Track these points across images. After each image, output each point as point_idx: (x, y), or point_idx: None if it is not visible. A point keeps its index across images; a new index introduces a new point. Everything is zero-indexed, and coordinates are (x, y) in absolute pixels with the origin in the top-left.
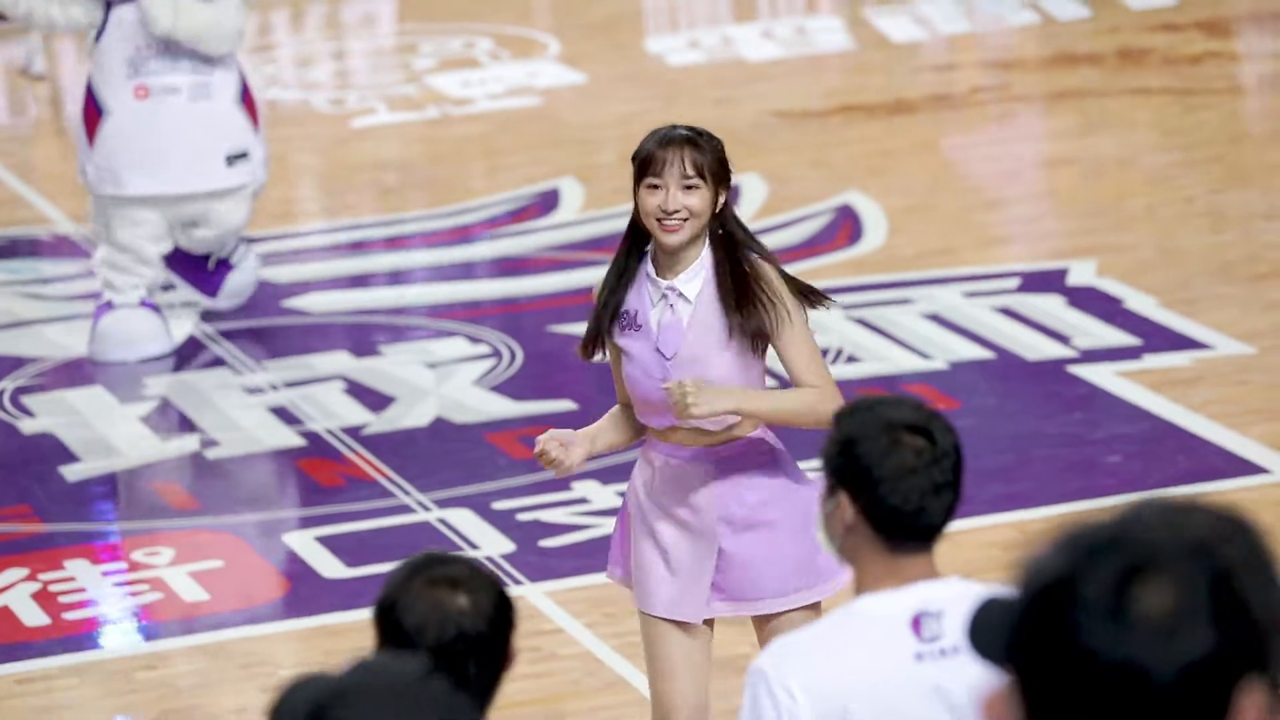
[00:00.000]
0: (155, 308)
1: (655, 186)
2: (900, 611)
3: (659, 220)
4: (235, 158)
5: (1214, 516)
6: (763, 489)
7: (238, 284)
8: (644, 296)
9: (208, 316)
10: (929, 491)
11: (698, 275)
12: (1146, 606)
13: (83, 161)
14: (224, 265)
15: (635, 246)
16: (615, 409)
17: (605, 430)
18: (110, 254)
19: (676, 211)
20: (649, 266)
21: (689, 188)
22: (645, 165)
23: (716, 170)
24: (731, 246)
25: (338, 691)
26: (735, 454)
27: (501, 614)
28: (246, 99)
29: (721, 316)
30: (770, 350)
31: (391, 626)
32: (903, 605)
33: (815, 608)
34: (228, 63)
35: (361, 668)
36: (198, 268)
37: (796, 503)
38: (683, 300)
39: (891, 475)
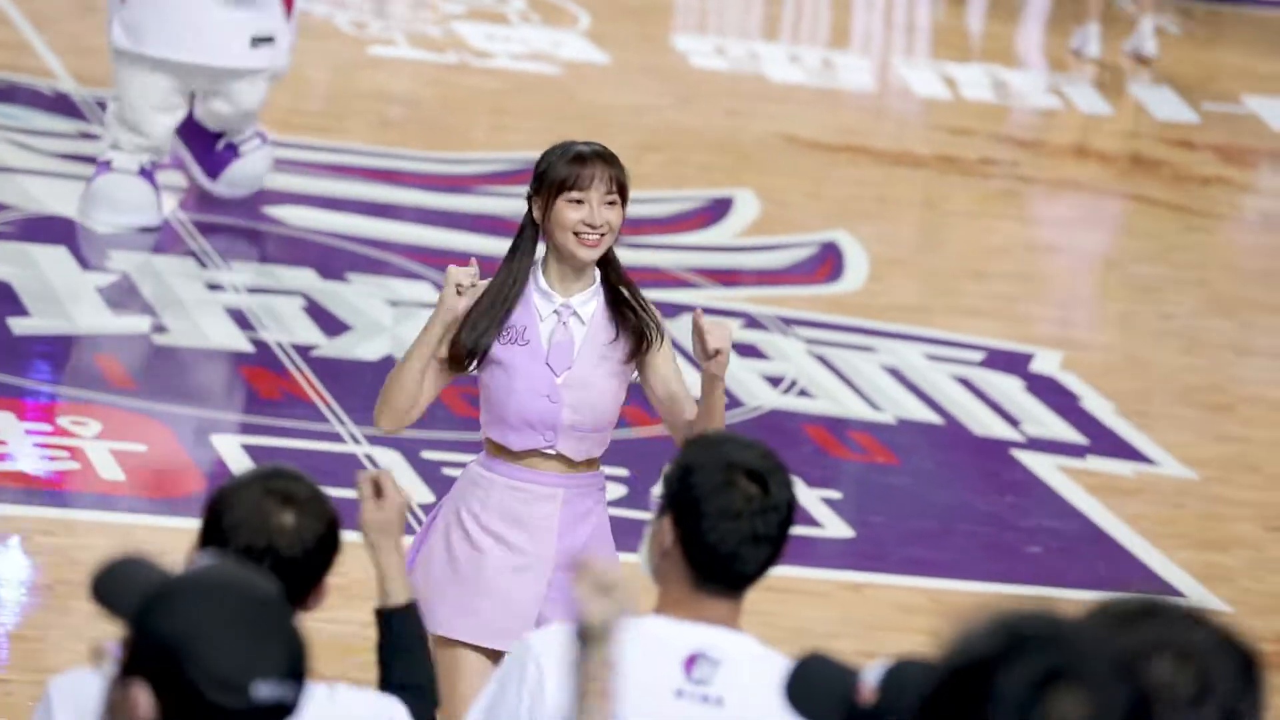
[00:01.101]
0: (152, 179)
1: (579, 201)
2: (681, 644)
3: (578, 234)
4: (261, 40)
5: (1204, 632)
6: (594, 526)
7: (240, 174)
8: (532, 310)
9: (188, 204)
10: (748, 539)
11: (593, 297)
12: (1058, 715)
13: (111, 15)
14: (231, 150)
15: (522, 258)
16: (425, 363)
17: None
18: (121, 109)
19: (599, 226)
20: (539, 280)
21: (610, 203)
22: (565, 180)
23: (627, 189)
24: (617, 265)
25: (184, 584)
26: (582, 487)
27: (322, 547)
28: None
29: (610, 339)
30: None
31: (213, 518)
32: (686, 639)
33: None
34: None
35: (213, 569)
36: (206, 144)
37: (614, 553)
38: (575, 319)
39: (715, 513)
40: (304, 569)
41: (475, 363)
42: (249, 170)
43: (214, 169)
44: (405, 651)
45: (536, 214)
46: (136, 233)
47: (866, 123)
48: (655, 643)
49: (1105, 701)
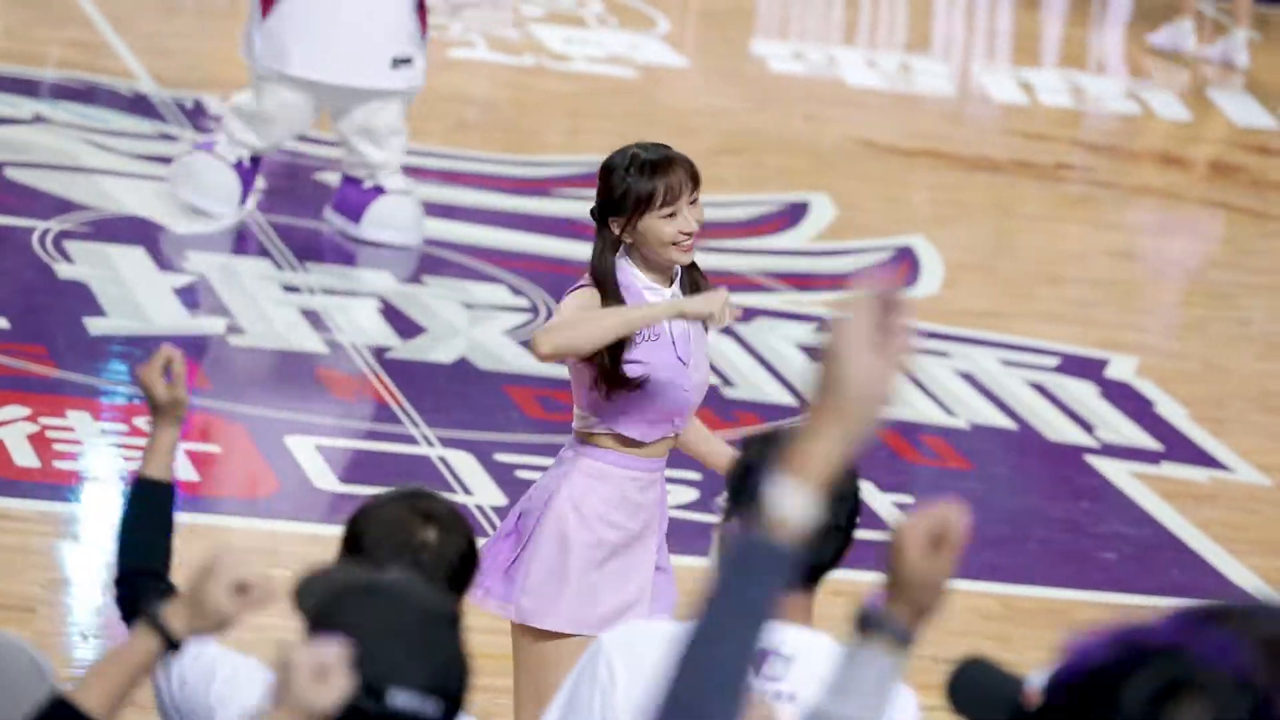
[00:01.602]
0: (245, 176)
1: (671, 214)
2: None
3: (676, 244)
4: (400, 61)
5: None
6: (663, 498)
7: (384, 214)
8: (644, 300)
9: (264, 205)
10: (817, 530)
11: (681, 286)
12: None
13: (250, 31)
14: (376, 189)
15: (613, 273)
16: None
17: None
18: (247, 111)
19: (693, 230)
20: (638, 280)
21: (694, 202)
22: (651, 199)
23: (699, 178)
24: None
25: (363, 587)
26: (664, 464)
27: (462, 566)
28: (421, 6)
29: (698, 321)
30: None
31: (356, 531)
32: None
33: None
34: None
35: (398, 580)
36: (349, 192)
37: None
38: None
39: None
40: (446, 586)
41: (615, 377)
42: (399, 211)
43: (355, 212)
44: (152, 529)
45: (617, 230)
46: (210, 223)
47: (943, 128)
48: None
49: (1228, 712)
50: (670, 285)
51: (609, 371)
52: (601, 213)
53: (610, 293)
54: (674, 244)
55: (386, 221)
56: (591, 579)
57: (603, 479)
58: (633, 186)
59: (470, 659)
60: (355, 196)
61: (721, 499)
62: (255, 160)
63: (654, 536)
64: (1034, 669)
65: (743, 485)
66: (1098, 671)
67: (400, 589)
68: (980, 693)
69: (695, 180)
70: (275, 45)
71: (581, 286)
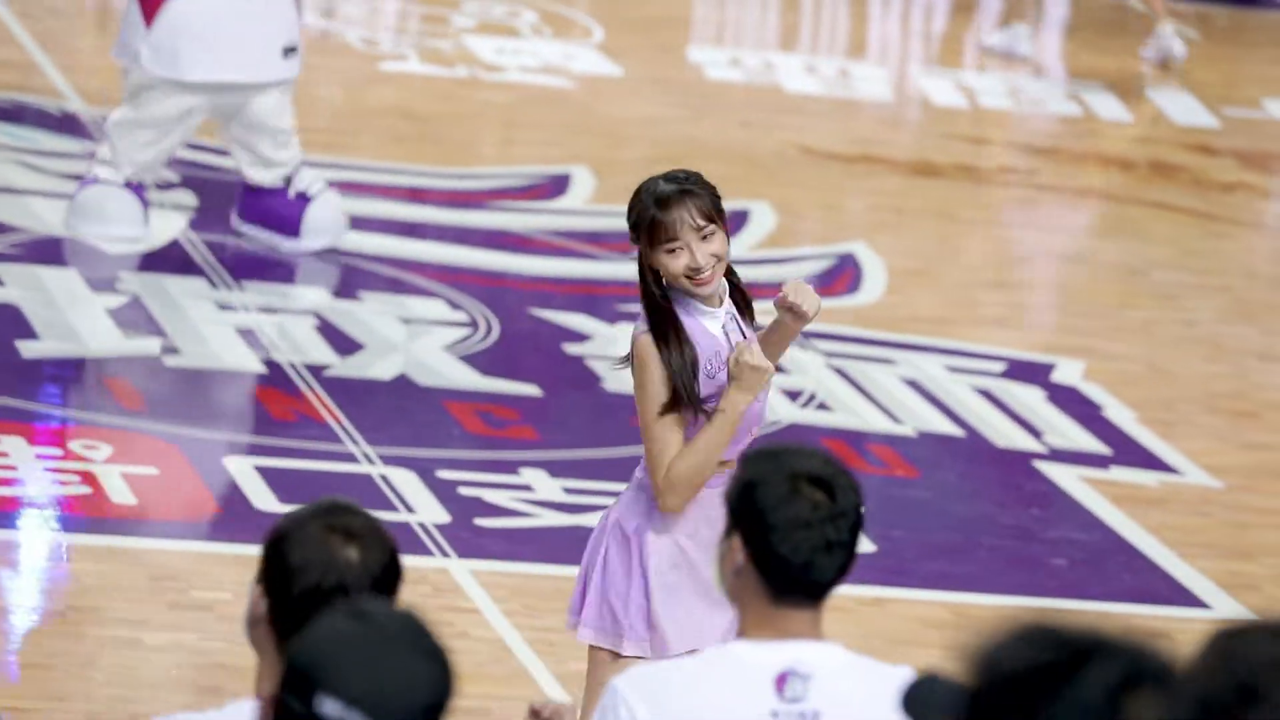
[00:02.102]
0: (139, 192)
1: (676, 250)
2: (769, 665)
3: (689, 278)
4: (290, 50)
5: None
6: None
7: (320, 218)
8: (709, 334)
9: (197, 224)
10: (820, 547)
11: (729, 301)
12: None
13: (130, 41)
14: (302, 199)
15: (663, 299)
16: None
17: None
18: (128, 116)
19: (706, 264)
20: (697, 307)
21: (706, 237)
22: (655, 231)
23: (719, 208)
24: (730, 273)
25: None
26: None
27: (387, 578)
28: None
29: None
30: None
31: (276, 560)
32: (773, 659)
33: None
34: None
35: (376, 604)
36: (272, 206)
37: None
38: (734, 323)
39: (784, 525)
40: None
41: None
42: (328, 213)
43: (292, 225)
44: None
45: (645, 258)
46: (124, 245)
47: (883, 133)
48: (743, 668)
49: (1181, 709)
50: (721, 305)
51: (697, 406)
52: (631, 239)
53: (661, 332)
54: (687, 278)
55: (322, 228)
56: (697, 599)
57: (694, 501)
58: (641, 218)
59: (437, 689)
60: (284, 208)
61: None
62: (142, 183)
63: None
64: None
65: (748, 505)
66: (1031, 670)
67: (377, 608)
68: (932, 707)
69: (708, 215)
70: (165, 52)
71: (643, 335)
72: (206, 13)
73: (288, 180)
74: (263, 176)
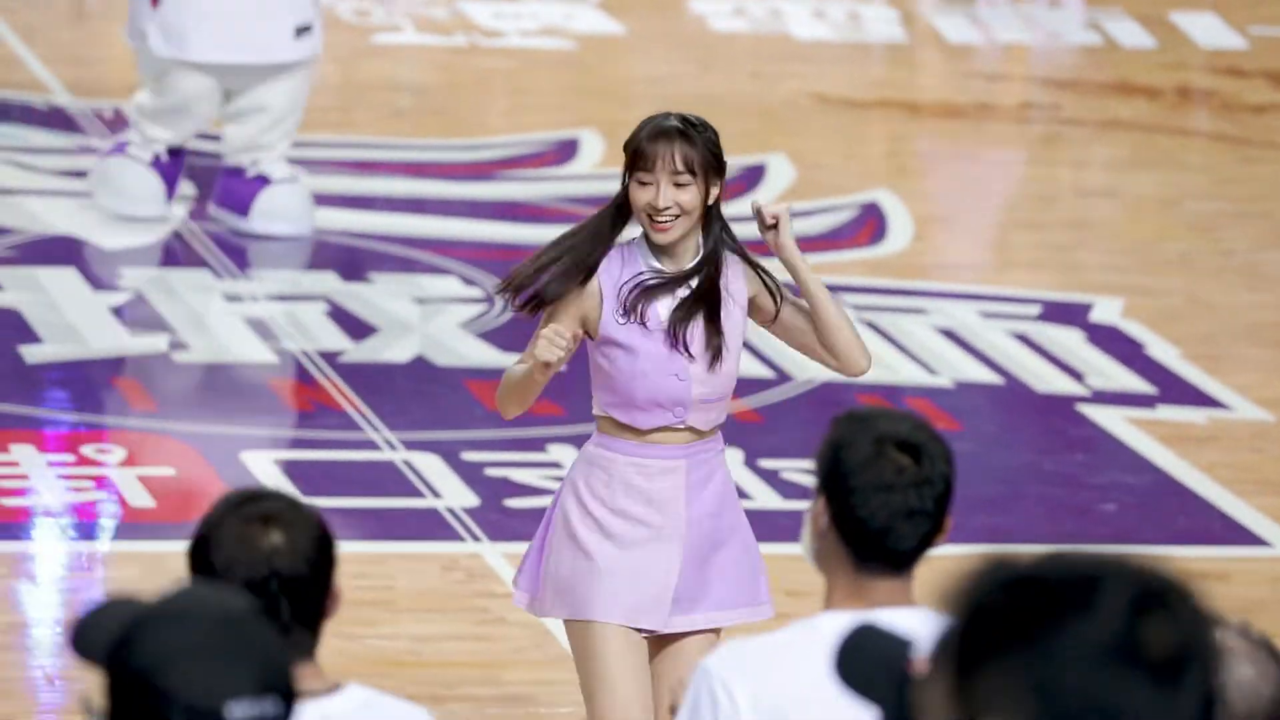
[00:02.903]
0: (165, 172)
1: (645, 183)
2: None
3: (649, 216)
4: (302, 30)
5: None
6: (719, 487)
7: (274, 204)
8: (640, 280)
9: (198, 214)
10: (901, 513)
11: (703, 266)
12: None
13: (139, 22)
14: (261, 179)
15: (622, 225)
16: (525, 375)
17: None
18: (148, 102)
19: (667, 209)
20: (648, 257)
21: (680, 184)
22: (635, 159)
23: (709, 163)
24: (718, 230)
25: (151, 616)
26: (703, 453)
27: (321, 553)
28: None
29: (733, 315)
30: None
31: (202, 564)
32: None
33: (717, 633)
34: None
35: (181, 594)
36: (231, 183)
37: (741, 514)
38: (706, 304)
39: (865, 487)
40: (312, 582)
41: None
42: (287, 202)
43: (243, 204)
44: None
45: (624, 190)
46: (141, 229)
47: (898, 75)
48: (829, 640)
49: (1196, 627)
50: (691, 264)
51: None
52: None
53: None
54: (646, 215)
55: (276, 213)
56: (606, 568)
57: (599, 464)
58: (631, 141)
59: (281, 647)
60: (240, 188)
61: (812, 478)
62: (175, 154)
63: (676, 536)
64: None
65: (832, 467)
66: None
67: (188, 602)
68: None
69: (689, 165)
70: (173, 33)
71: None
72: None
73: (255, 161)
74: (240, 157)
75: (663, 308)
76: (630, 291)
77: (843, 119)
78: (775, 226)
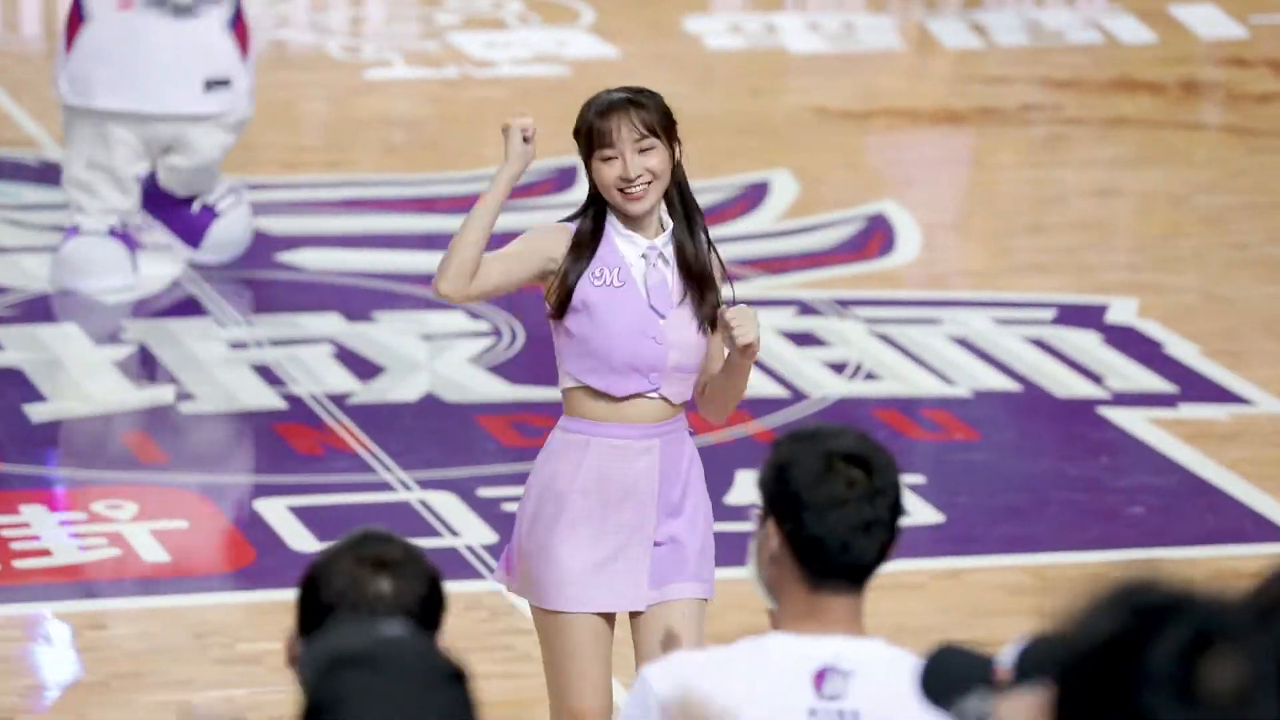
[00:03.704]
0: (125, 238)
1: (610, 158)
2: (808, 660)
3: (621, 190)
4: (215, 84)
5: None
6: (688, 471)
7: (224, 235)
8: (617, 253)
9: (195, 263)
10: (858, 527)
11: (670, 239)
12: (1215, 683)
13: (57, 70)
14: (208, 212)
15: (596, 210)
16: (493, 217)
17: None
18: (79, 172)
19: (639, 177)
20: (617, 226)
21: (644, 150)
22: (593, 138)
23: (667, 126)
24: (688, 212)
25: (355, 655)
26: (676, 432)
27: (428, 609)
28: (238, 25)
29: (692, 286)
30: None
31: (310, 598)
32: (812, 654)
33: (704, 604)
34: None
35: (389, 641)
36: (180, 213)
37: (704, 487)
38: (662, 260)
39: (819, 504)
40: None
41: (558, 309)
42: (235, 232)
43: (194, 237)
44: None
45: (588, 173)
46: (115, 296)
47: (898, 84)
48: (781, 663)
49: (1262, 663)
50: (661, 234)
51: (560, 292)
52: (579, 151)
53: (581, 230)
54: (618, 190)
55: (227, 244)
56: (578, 556)
57: (570, 450)
58: (581, 123)
59: (478, 712)
60: (188, 219)
61: (755, 504)
62: (126, 225)
63: (648, 524)
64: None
65: (780, 487)
66: (1110, 640)
67: (399, 651)
68: (950, 680)
69: (650, 126)
70: (81, 79)
71: (563, 221)
72: (120, 39)
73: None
74: (176, 191)
75: (637, 273)
76: (597, 252)
77: (844, 131)
78: (748, 348)
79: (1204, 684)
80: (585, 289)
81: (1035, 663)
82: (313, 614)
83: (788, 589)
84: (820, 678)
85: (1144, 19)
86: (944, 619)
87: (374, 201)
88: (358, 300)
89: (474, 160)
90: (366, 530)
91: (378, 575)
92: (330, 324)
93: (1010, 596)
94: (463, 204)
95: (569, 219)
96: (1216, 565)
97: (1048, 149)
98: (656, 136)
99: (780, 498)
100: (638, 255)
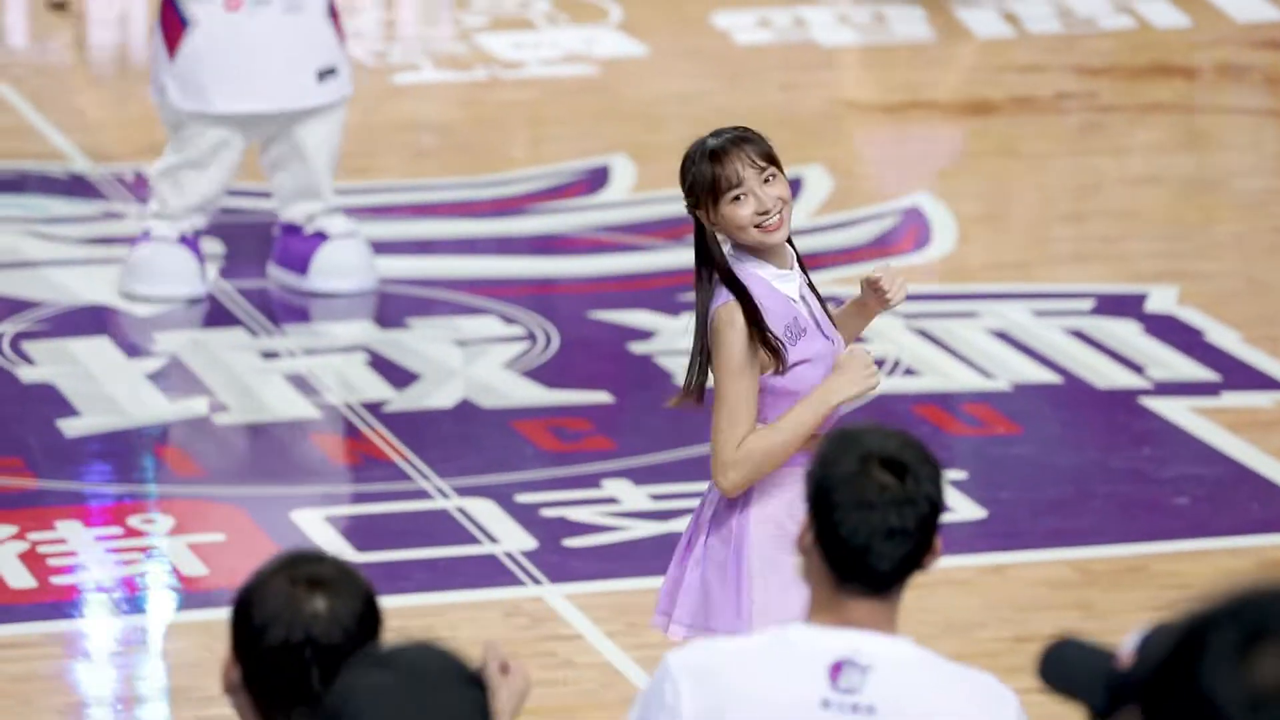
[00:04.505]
0: (194, 247)
1: (739, 197)
2: (825, 651)
3: (758, 226)
4: (326, 73)
5: None
6: None
7: (333, 261)
8: (783, 299)
9: (228, 271)
10: (880, 532)
11: (797, 263)
12: (1265, 674)
13: (159, 76)
14: (319, 236)
15: (731, 283)
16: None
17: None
18: (174, 164)
19: (772, 208)
20: (759, 269)
21: (769, 180)
22: (716, 184)
23: (775, 153)
24: (791, 241)
25: (366, 656)
26: None
27: (363, 627)
28: (333, 11)
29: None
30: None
31: (243, 621)
32: (831, 646)
33: None
34: None
35: (402, 645)
36: (290, 241)
37: None
38: (811, 290)
39: (846, 505)
40: (346, 654)
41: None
42: (347, 257)
43: (301, 263)
44: None
45: (706, 222)
46: (181, 305)
47: (930, 75)
48: (798, 651)
49: None
50: (792, 268)
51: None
52: (689, 206)
53: (738, 293)
54: (755, 226)
55: (335, 269)
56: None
57: (782, 484)
58: (698, 176)
59: (477, 713)
60: (297, 246)
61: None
62: (197, 232)
63: None
64: (1123, 635)
65: (818, 484)
66: (1192, 626)
67: (416, 653)
68: (1073, 668)
69: (767, 156)
70: (191, 85)
71: (724, 304)
72: (229, 39)
73: (310, 218)
74: (293, 212)
75: (803, 309)
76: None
77: (877, 124)
78: (881, 299)
79: (1255, 673)
80: (791, 353)
81: (1154, 648)
82: (246, 638)
83: (815, 583)
84: (837, 669)
85: (1177, 3)
86: (990, 615)
87: (403, 207)
88: (390, 307)
89: (504, 162)
90: (298, 550)
91: (312, 594)
92: (364, 331)
93: (1055, 591)
94: (494, 208)
95: (707, 302)
96: (1264, 555)
97: (1083, 137)
98: (775, 165)
99: (816, 493)
100: (795, 291)
